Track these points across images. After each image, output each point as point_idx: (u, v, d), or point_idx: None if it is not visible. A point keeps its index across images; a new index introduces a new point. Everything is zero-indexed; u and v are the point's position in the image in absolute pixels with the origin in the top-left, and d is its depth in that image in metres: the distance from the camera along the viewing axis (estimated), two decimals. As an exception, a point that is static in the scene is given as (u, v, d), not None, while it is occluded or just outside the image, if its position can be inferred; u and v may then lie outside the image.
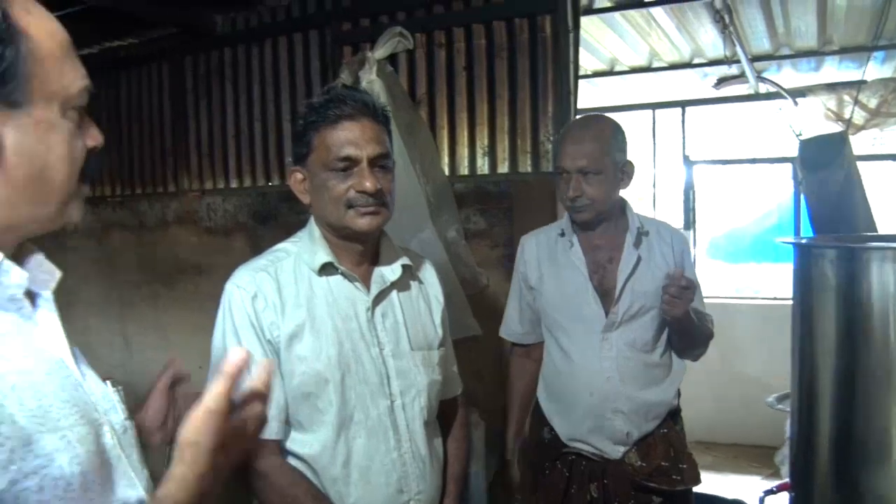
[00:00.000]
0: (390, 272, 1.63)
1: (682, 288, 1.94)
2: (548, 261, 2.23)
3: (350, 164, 1.50)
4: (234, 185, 3.96)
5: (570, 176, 2.07)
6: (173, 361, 1.19)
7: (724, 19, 3.62)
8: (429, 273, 1.78)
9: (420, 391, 1.61)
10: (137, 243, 4.21)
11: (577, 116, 2.30)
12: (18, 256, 0.93)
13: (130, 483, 0.91)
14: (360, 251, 1.60)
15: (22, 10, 0.82)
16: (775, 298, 6.02)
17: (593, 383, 2.10)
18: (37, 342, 0.87)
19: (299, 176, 1.60)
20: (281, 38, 3.72)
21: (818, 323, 1.31)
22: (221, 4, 3.74)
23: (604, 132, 2.09)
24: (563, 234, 2.22)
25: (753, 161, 6.08)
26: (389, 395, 1.57)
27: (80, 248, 4.43)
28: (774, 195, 7.47)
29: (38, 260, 0.95)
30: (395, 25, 3.22)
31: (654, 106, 5.96)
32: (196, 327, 3.25)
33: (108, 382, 1.01)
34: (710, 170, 6.26)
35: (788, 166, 5.70)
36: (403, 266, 1.65)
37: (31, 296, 0.91)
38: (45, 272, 0.95)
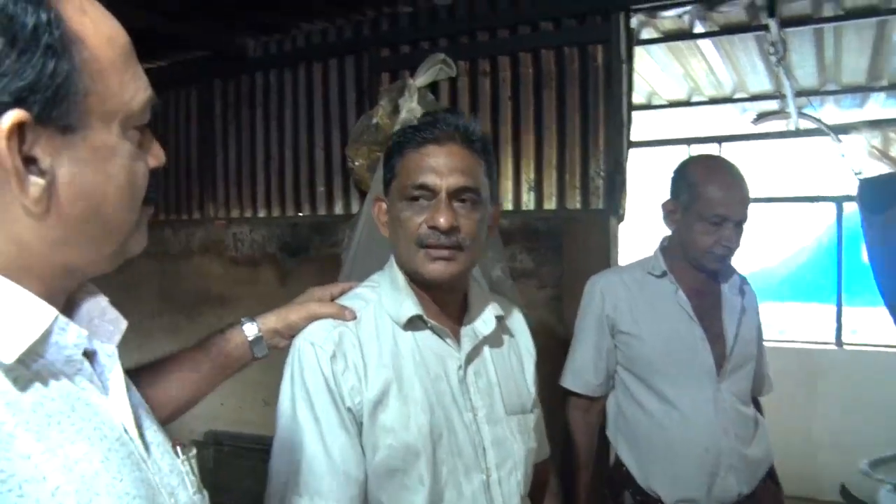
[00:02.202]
0: (483, 325, 1.40)
1: None
2: (644, 303, 2.03)
3: (427, 194, 1.29)
4: (262, 214, 3.81)
5: (728, 224, 1.91)
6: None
7: (778, 52, 3.45)
8: (518, 322, 1.55)
9: (517, 463, 1.37)
10: (160, 272, 4.06)
11: (707, 155, 2.15)
12: (75, 301, 0.79)
13: None
14: (444, 299, 1.38)
15: (76, 11, 0.67)
16: (811, 342, 5.80)
17: (708, 438, 1.93)
18: (94, 414, 0.72)
19: (383, 206, 1.39)
20: (316, 64, 3.60)
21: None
22: (255, 28, 3.62)
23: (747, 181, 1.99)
24: (661, 276, 2.04)
25: (794, 199, 5.89)
26: (485, 468, 1.33)
27: (101, 275, 4.28)
28: (808, 234, 7.30)
29: (101, 307, 0.81)
30: (437, 52, 3.08)
31: (690, 141, 5.78)
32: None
33: (178, 449, 0.86)
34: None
35: (830, 205, 5.51)
36: (496, 318, 1.42)
37: (91, 352, 0.77)
38: (108, 321, 0.81)
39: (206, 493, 0.88)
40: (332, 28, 3.52)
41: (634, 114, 5.30)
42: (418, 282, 1.35)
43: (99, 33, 0.69)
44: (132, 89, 0.72)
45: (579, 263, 2.63)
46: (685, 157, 5.94)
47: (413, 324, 1.34)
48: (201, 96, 4.03)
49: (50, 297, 0.73)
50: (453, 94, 3.18)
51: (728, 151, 5.82)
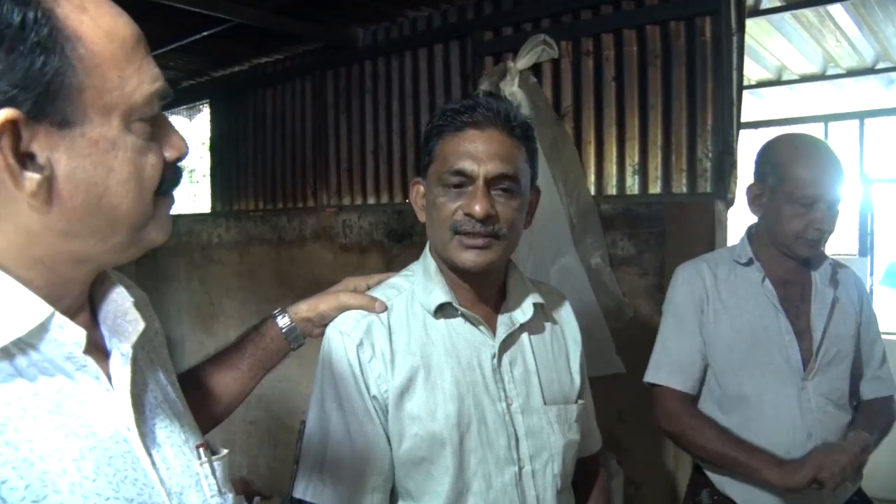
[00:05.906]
0: (520, 313, 1.36)
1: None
2: (727, 292, 1.89)
3: (464, 180, 1.25)
4: (371, 201, 3.88)
5: (820, 206, 1.75)
6: None
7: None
8: (564, 310, 1.49)
9: (554, 455, 1.33)
10: (276, 258, 4.22)
11: (791, 134, 1.92)
12: (102, 300, 0.82)
13: None
14: (480, 287, 1.35)
15: (74, 9, 0.68)
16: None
17: (789, 440, 1.76)
18: (88, 411, 0.73)
19: (421, 189, 1.36)
20: (421, 50, 3.61)
21: None
22: (364, 18, 3.68)
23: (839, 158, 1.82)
24: (747, 263, 1.89)
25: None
26: (517, 459, 1.29)
27: (224, 261, 4.51)
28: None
29: (124, 308, 0.83)
30: (538, 33, 3.00)
31: (828, 118, 5.38)
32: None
33: (200, 451, 0.85)
34: (891, 189, 5.58)
35: None
36: (535, 305, 1.38)
37: (105, 350, 0.80)
38: (128, 322, 0.82)
39: (229, 495, 0.87)
40: (437, 13, 3.52)
41: (763, 90, 5.03)
42: (453, 269, 1.32)
43: (97, 29, 0.69)
44: (135, 82, 0.71)
45: (683, 250, 2.48)
46: (821, 135, 5.56)
47: (445, 311, 1.32)
48: (315, 87, 4.14)
49: (63, 286, 0.75)
50: (555, 76, 3.09)
51: (872, 128, 5.39)
